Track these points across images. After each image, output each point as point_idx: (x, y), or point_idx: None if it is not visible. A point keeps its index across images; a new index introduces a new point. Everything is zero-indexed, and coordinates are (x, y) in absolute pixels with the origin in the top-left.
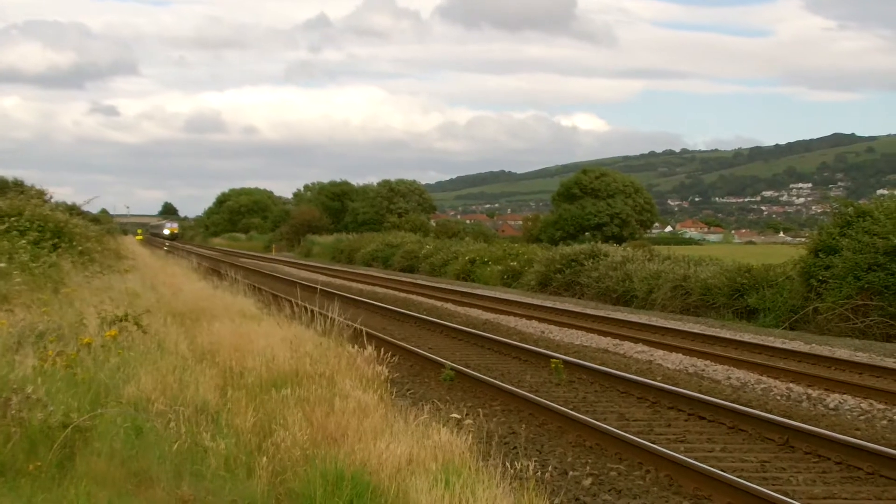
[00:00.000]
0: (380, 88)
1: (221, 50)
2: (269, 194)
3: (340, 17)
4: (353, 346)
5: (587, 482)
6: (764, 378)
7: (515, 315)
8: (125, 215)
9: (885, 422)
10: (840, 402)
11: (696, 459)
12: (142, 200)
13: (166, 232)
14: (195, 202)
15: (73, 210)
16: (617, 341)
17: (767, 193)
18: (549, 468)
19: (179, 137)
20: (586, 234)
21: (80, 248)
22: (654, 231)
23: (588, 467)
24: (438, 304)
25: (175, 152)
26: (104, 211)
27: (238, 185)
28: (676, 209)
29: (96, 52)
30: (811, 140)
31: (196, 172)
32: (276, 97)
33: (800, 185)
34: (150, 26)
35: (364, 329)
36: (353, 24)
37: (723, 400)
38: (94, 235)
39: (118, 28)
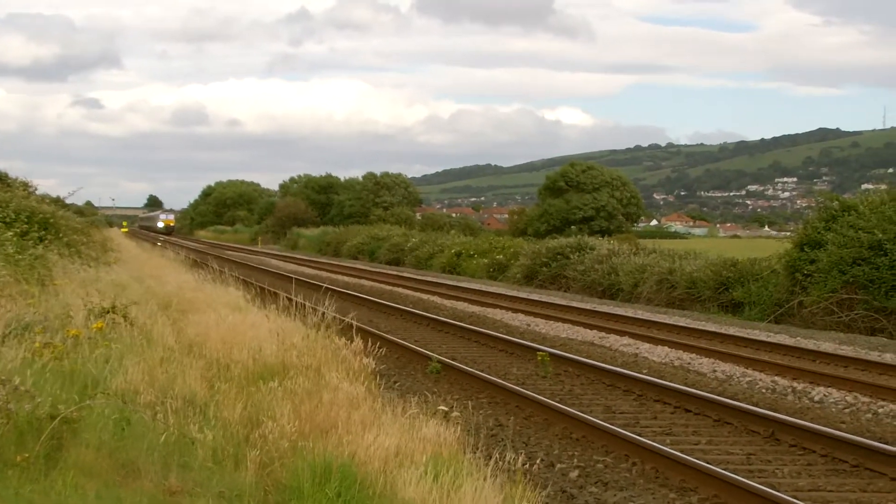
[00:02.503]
0: (363, 81)
1: (203, 43)
2: (256, 186)
3: (321, 11)
4: (339, 339)
5: (574, 474)
6: (749, 371)
7: (501, 308)
8: (111, 207)
9: (869, 415)
10: (825, 395)
11: (681, 452)
12: (127, 193)
13: (160, 224)
14: (181, 194)
15: (58, 202)
16: (603, 334)
17: (753, 187)
18: (537, 460)
19: (164, 130)
20: (572, 227)
21: (66, 240)
22: (639, 225)
23: (575, 459)
24: (424, 296)
25: (159, 145)
26: (89, 203)
27: (223, 177)
28: (662, 203)
29: (80, 45)
30: (796, 134)
31: (181, 165)
32: (260, 90)
33: (785, 179)
34: (132, 19)
35: (351, 322)
36: (333, 17)
37: (708, 393)
38: (80, 227)
39: (101, 20)
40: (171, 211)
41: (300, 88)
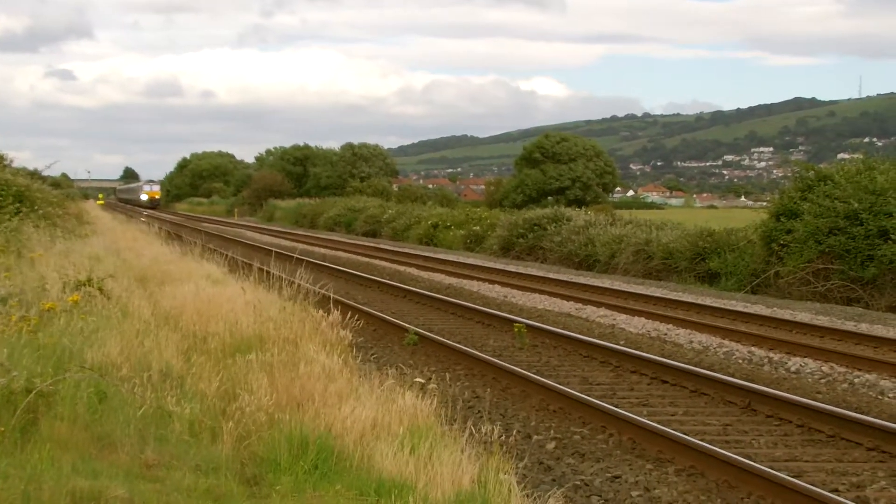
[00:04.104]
0: (337, 52)
1: (173, 14)
2: (231, 158)
3: None
4: (316, 311)
5: (551, 446)
6: (726, 341)
7: (478, 279)
8: (86, 180)
9: (845, 385)
10: (801, 365)
11: (658, 423)
12: (102, 165)
13: (144, 197)
14: (155, 167)
15: (34, 175)
16: (580, 305)
17: (729, 157)
18: (514, 432)
19: (137, 101)
20: (549, 198)
21: (41, 212)
22: (616, 195)
23: (552, 431)
24: (401, 268)
25: (133, 117)
26: (64, 175)
27: (197, 149)
28: (638, 173)
29: (50, 16)
30: (772, 104)
31: (155, 137)
32: (234, 61)
33: (761, 149)
34: None
35: (327, 294)
36: None
37: (685, 363)
38: (56, 200)
39: None
40: (155, 182)
41: (273, 59)
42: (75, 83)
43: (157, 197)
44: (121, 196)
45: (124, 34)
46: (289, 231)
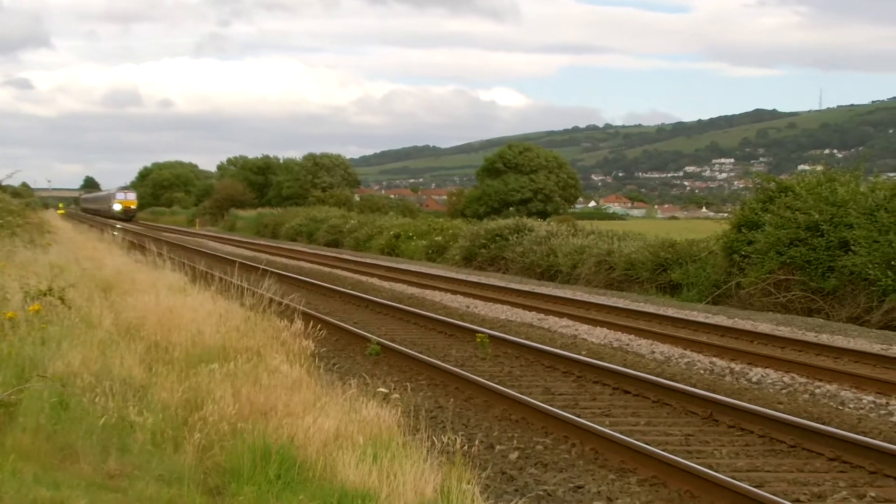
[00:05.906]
0: (296, 61)
1: (130, 23)
2: (193, 168)
3: None
4: (279, 321)
5: (513, 456)
6: (687, 352)
7: (440, 290)
8: (46, 189)
9: (806, 395)
10: (762, 375)
11: (621, 433)
12: (62, 174)
13: (117, 207)
14: (115, 175)
15: None
16: (542, 316)
17: (690, 169)
18: (476, 442)
19: (96, 111)
20: (510, 209)
21: (1, 221)
22: (578, 206)
23: (514, 441)
24: (363, 278)
25: (92, 126)
26: (25, 185)
27: (158, 158)
28: (600, 184)
29: (7, 25)
30: (733, 116)
31: (115, 146)
32: (192, 70)
33: (722, 160)
34: None
35: (290, 304)
36: None
37: (647, 374)
38: (16, 209)
39: (26, 1)
40: (129, 189)
41: (232, 68)
42: (33, 92)
43: (132, 207)
44: (87, 206)
45: (82, 43)
46: (250, 241)
